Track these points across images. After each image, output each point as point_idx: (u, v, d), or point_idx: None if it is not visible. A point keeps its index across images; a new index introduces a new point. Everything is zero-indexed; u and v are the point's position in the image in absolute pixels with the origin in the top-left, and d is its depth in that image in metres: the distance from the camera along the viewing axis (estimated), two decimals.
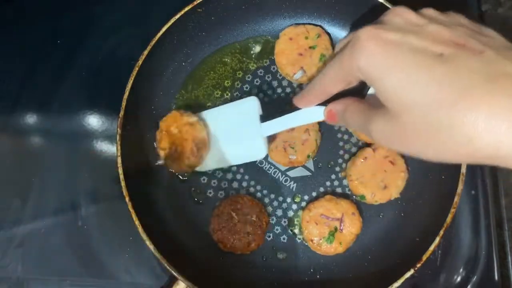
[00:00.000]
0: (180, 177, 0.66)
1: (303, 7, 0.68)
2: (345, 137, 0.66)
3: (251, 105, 0.59)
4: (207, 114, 0.63)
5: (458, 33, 0.35)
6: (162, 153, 0.62)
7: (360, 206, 0.63)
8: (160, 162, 0.63)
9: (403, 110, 0.34)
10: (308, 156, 0.63)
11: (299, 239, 0.64)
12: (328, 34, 0.68)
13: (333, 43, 0.68)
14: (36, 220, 0.68)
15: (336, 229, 0.60)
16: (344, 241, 0.60)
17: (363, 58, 0.36)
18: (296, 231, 0.64)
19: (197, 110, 0.64)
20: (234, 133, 0.60)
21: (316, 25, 0.68)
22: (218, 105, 0.68)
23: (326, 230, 0.60)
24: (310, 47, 0.66)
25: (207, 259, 0.63)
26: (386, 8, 0.60)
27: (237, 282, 0.61)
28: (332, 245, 0.60)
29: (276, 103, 0.68)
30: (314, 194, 0.65)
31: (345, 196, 0.64)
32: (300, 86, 0.68)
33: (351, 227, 0.60)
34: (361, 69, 0.37)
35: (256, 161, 0.65)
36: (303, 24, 0.68)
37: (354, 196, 0.64)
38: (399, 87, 0.34)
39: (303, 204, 0.65)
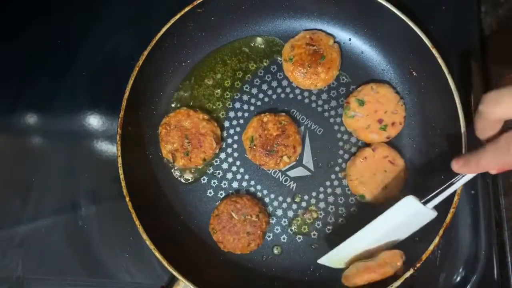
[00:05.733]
0: (180, 177, 0.66)
1: (302, 7, 0.68)
2: (345, 137, 0.66)
3: (410, 205, 0.55)
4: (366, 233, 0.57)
5: None
6: (168, 148, 0.63)
7: (360, 205, 0.64)
8: (167, 157, 0.64)
9: None
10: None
11: (299, 238, 0.64)
12: (331, 35, 0.68)
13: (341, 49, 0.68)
14: (36, 220, 0.68)
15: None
16: None
17: None
18: (296, 230, 0.64)
19: (197, 110, 0.65)
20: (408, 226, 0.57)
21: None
22: (218, 105, 0.68)
23: None
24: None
25: (207, 259, 0.63)
26: (386, 9, 0.60)
27: (237, 282, 0.61)
28: None
29: (276, 103, 0.68)
30: (314, 193, 0.65)
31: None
32: (299, 89, 0.68)
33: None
34: None
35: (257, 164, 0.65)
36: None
37: (354, 196, 0.64)
38: None
39: (303, 204, 0.65)
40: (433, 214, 0.55)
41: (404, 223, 0.56)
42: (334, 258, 0.59)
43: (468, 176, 0.52)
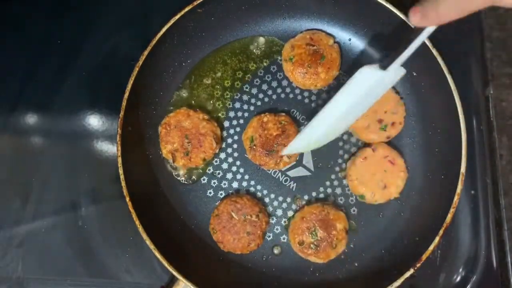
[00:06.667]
0: (180, 177, 0.66)
1: (302, 7, 0.68)
2: (345, 137, 0.66)
3: (368, 74, 0.54)
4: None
5: None
6: (168, 148, 0.63)
7: (360, 205, 0.64)
8: (167, 157, 0.64)
9: None
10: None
11: None
12: (331, 35, 0.68)
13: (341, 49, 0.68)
14: (36, 220, 0.68)
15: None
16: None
17: None
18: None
19: (197, 110, 0.65)
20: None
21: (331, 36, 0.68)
22: (218, 105, 0.68)
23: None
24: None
25: (207, 259, 0.63)
26: (385, 8, 0.60)
27: (237, 282, 0.61)
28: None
29: (276, 103, 0.68)
30: (314, 194, 0.65)
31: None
32: (299, 89, 0.68)
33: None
34: None
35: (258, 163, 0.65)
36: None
37: (354, 196, 0.64)
38: None
39: (303, 204, 0.65)
40: (401, 71, 0.53)
41: (369, 92, 0.55)
42: (302, 142, 0.58)
43: (428, 31, 0.47)
